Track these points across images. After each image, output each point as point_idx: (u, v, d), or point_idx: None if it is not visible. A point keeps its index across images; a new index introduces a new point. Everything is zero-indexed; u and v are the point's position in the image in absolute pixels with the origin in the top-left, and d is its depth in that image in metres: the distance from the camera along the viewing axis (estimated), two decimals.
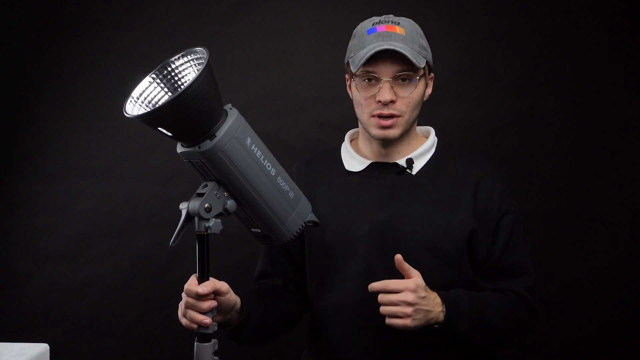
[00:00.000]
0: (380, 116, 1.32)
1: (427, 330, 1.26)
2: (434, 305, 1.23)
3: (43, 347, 1.55)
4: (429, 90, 1.42)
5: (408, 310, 1.19)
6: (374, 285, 1.21)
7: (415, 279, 1.21)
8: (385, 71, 1.30)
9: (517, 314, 1.35)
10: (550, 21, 2.16)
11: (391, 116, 1.32)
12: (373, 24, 1.35)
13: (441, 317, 1.24)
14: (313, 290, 1.43)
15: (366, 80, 1.33)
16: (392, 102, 1.31)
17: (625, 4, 2.13)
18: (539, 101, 2.16)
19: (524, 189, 2.11)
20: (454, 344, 1.33)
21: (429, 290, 1.24)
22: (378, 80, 1.31)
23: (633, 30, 2.12)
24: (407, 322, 1.19)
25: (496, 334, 1.32)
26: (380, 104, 1.31)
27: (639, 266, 2.11)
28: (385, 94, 1.30)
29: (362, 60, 1.29)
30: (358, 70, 1.32)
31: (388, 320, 1.20)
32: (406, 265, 1.23)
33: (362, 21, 1.40)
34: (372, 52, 1.28)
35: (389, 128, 1.33)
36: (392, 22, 1.34)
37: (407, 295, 1.19)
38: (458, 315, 1.26)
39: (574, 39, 2.15)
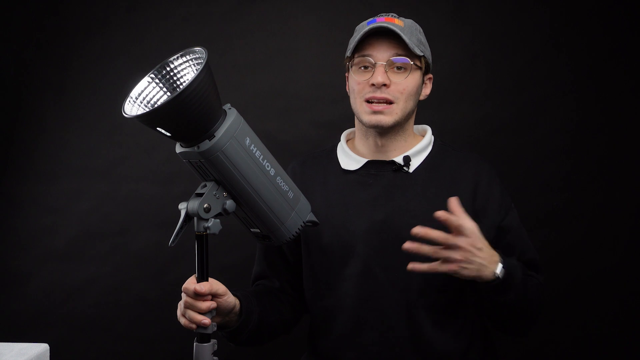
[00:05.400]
0: (372, 100, 1.33)
1: (429, 327, 1.26)
2: (490, 262, 1.19)
3: (43, 347, 1.55)
4: (427, 91, 1.42)
5: (457, 255, 1.15)
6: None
7: (470, 226, 1.16)
8: (381, 55, 1.32)
9: (540, 296, 1.34)
10: (550, 21, 2.16)
11: (384, 101, 1.32)
12: (374, 17, 1.37)
13: (490, 277, 1.19)
14: (311, 292, 1.42)
15: (362, 68, 1.35)
16: (386, 86, 1.31)
17: (625, 4, 2.13)
18: (539, 101, 2.16)
19: (524, 189, 2.10)
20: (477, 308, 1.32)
21: (489, 245, 1.20)
22: (374, 66, 1.32)
23: (633, 30, 2.12)
24: (453, 267, 1.16)
25: (527, 308, 1.30)
26: (373, 87, 1.32)
27: (639, 267, 2.11)
28: (378, 76, 1.31)
29: (358, 37, 1.32)
30: (354, 54, 1.34)
31: (439, 266, 1.17)
32: (453, 218, 1.17)
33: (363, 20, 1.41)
34: (367, 29, 1.31)
35: (380, 113, 1.32)
36: (392, 15, 1.37)
37: (460, 240, 1.15)
38: (511, 284, 1.22)
39: (574, 39, 2.15)
